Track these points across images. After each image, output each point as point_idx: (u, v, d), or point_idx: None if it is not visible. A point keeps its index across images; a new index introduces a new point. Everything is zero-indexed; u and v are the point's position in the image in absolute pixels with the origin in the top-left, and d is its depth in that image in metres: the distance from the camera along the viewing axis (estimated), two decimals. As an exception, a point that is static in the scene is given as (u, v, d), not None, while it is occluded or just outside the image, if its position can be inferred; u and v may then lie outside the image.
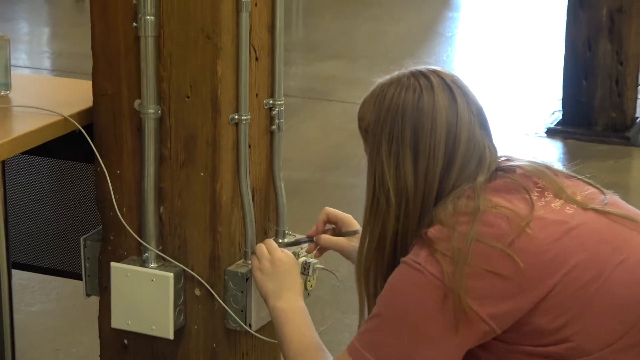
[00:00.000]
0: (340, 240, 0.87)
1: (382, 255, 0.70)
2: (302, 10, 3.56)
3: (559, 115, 2.59)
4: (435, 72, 0.72)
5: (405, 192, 0.69)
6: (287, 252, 0.85)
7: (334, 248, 0.88)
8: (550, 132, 2.51)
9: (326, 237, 0.88)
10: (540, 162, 0.73)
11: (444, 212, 0.67)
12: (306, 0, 3.64)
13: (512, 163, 0.73)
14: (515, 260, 0.64)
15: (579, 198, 0.70)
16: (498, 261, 0.65)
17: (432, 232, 0.66)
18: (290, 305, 0.79)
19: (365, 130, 0.72)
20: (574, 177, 0.74)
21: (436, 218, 0.67)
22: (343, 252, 0.87)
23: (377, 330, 0.68)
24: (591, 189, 0.73)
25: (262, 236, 0.93)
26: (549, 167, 0.73)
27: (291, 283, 0.81)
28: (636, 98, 2.46)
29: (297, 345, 0.76)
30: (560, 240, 0.66)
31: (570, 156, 2.31)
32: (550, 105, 2.71)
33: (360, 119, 0.73)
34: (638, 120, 2.51)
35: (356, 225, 0.87)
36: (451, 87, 0.70)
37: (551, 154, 2.38)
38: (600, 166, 2.16)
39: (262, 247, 0.84)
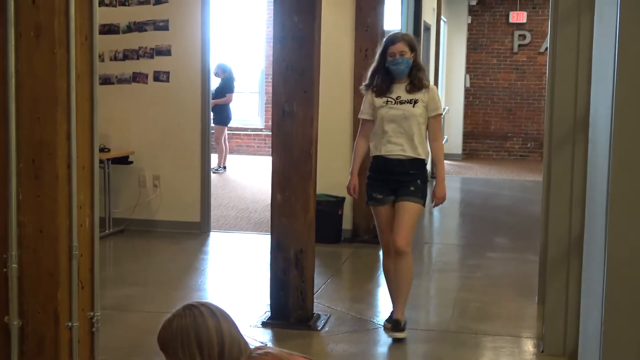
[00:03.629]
0: None
1: None
2: None
3: (268, 314, 5.25)
4: (201, 303, 2.41)
5: None
6: None
7: None
8: (264, 324, 5.22)
9: None
10: (279, 349, 2.45)
11: None
12: None
13: (264, 350, 2.34)
14: None
15: None
16: None
17: None
18: None
19: (165, 349, 2.28)
20: (300, 355, 2.47)
21: None
22: None
23: None
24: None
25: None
26: (285, 351, 2.43)
27: None
28: (313, 302, 5.39)
29: None
30: None
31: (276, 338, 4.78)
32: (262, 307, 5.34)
33: (160, 342, 2.38)
34: (315, 314, 5.38)
35: None
36: (214, 312, 2.27)
37: (264, 337, 4.78)
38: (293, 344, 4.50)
39: None
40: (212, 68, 9.37)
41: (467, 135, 16.47)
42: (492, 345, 5.05)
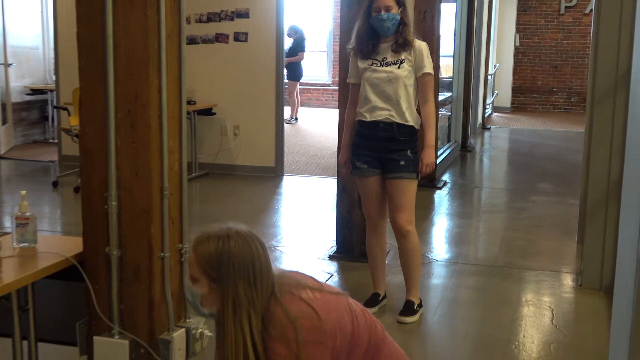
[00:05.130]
0: None
1: None
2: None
3: (334, 248, 5.29)
4: (244, 233, 2.13)
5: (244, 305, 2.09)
6: None
7: None
8: (330, 258, 5.25)
9: None
10: (294, 270, 2.38)
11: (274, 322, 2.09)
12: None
13: (285, 279, 2.20)
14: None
15: (316, 286, 2.36)
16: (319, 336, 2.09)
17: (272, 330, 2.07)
18: None
19: (209, 265, 2.11)
20: (313, 278, 2.42)
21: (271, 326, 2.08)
22: None
23: None
24: (325, 283, 2.49)
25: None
26: (299, 273, 2.29)
27: None
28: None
29: None
30: (329, 314, 2.13)
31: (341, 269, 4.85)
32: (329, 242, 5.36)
33: (207, 258, 2.10)
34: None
35: None
36: (250, 239, 2.13)
37: (331, 269, 4.85)
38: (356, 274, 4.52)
39: None
40: (286, 29, 9.32)
41: (516, 90, 16.21)
42: (535, 279, 5.03)
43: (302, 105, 14.39)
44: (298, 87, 13.52)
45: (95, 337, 2.73)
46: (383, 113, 4.04)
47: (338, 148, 5.19)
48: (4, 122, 9.55)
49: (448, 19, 9.46)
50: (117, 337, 2.74)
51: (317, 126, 12.83)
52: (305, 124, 13.17)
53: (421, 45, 4.09)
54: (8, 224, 5.82)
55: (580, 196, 5.74)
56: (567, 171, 9.13)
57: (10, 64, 9.64)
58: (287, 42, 11.70)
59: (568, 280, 4.99)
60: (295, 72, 13.06)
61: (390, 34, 4.04)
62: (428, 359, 3.90)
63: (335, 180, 5.43)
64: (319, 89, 15.95)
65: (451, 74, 10.10)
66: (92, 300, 2.74)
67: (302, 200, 7.40)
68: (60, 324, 2.88)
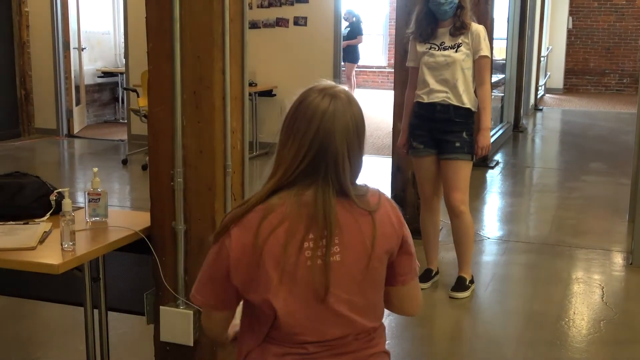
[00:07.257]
0: None
1: None
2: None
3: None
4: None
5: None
6: None
7: None
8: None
9: None
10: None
11: None
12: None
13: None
14: None
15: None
16: None
17: None
18: None
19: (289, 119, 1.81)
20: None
21: None
22: None
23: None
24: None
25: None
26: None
27: None
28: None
29: None
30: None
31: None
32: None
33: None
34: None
35: None
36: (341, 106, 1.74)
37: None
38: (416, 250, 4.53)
39: None
40: (343, 13, 9.29)
41: (568, 72, 15.87)
42: (585, 257, 4.94)
43: (359, 87, 14.34)
44: (355, 69, 13.46)
45: (161, 307, 2.77)
46: (440, 95, 3.97)
47: (393, 129, 5.15)
48: (78, 103, 9.73)
49: (502, 2, 9.28)
50: (182, 307, 2.76)
51: (373, 107, 12.77)
52: (361, 105, 13.10)
53: (478, 28, 3.99)
54: (81, 199, 5.94)
55: (631, 176, 5.61)
56: (618, 151, 8.92)
57: (84, 48, 9.80)
58: (344, 26, 11.64)
59: (619, 259, 4.89)
60: (352, 55, 13.00)
61: (448, 17, 3.95)
62: (479, 333, 3.86)
63: (390, 159, 5.41)
64: (374, 72, 15.87)
65: (504, 56, 9.92)
66: (159, 272, 2.77)
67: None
68: (129, 294, 2.93)
